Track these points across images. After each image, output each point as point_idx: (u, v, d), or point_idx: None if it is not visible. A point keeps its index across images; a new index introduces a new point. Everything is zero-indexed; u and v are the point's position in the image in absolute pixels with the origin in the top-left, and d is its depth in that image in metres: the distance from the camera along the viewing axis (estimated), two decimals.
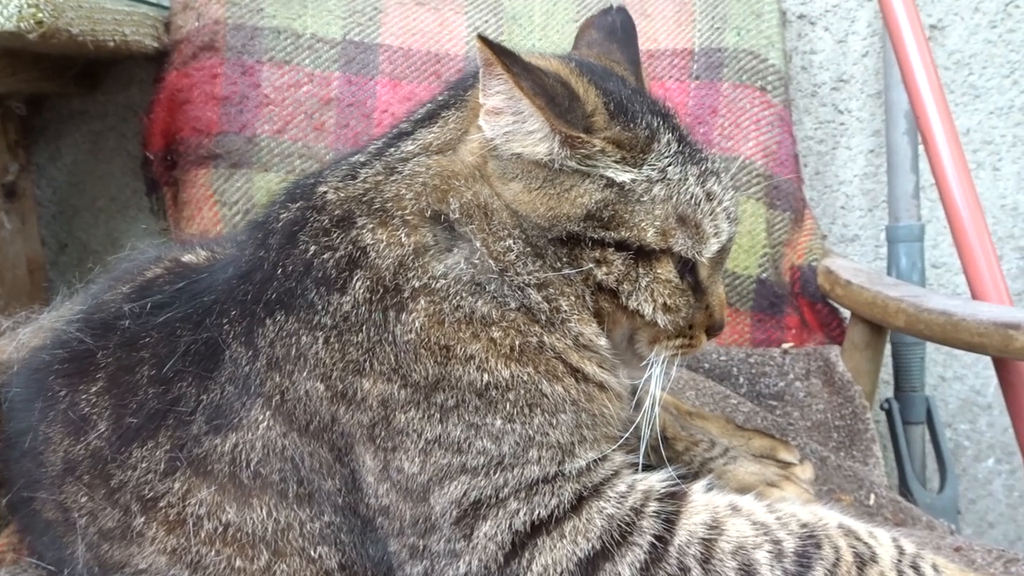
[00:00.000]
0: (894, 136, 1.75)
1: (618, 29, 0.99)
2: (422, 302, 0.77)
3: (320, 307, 0.79)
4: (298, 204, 0.86)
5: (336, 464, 0.80)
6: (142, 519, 0.83)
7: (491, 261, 0.79)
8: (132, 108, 1.91)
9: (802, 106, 1.90)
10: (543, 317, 0.80)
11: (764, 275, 1.65)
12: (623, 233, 0.79)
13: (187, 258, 1.03)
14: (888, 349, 1.67)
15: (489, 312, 0.78)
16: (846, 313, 1.61)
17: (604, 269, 0.80)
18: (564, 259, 0.80)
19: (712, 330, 0.88)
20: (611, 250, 0.79)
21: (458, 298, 0.78)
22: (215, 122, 1.64)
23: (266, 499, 0.80)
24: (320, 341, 0.78)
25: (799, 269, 1.64)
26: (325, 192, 0.85)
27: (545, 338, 0.79)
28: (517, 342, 0.78)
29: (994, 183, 1.89)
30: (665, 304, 0.81)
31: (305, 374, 0.79)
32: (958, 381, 1.96)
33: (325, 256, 0.80)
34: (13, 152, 1.77)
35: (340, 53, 1.67)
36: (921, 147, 1.68)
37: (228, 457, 0.81)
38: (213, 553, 0.82)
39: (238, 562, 0.82)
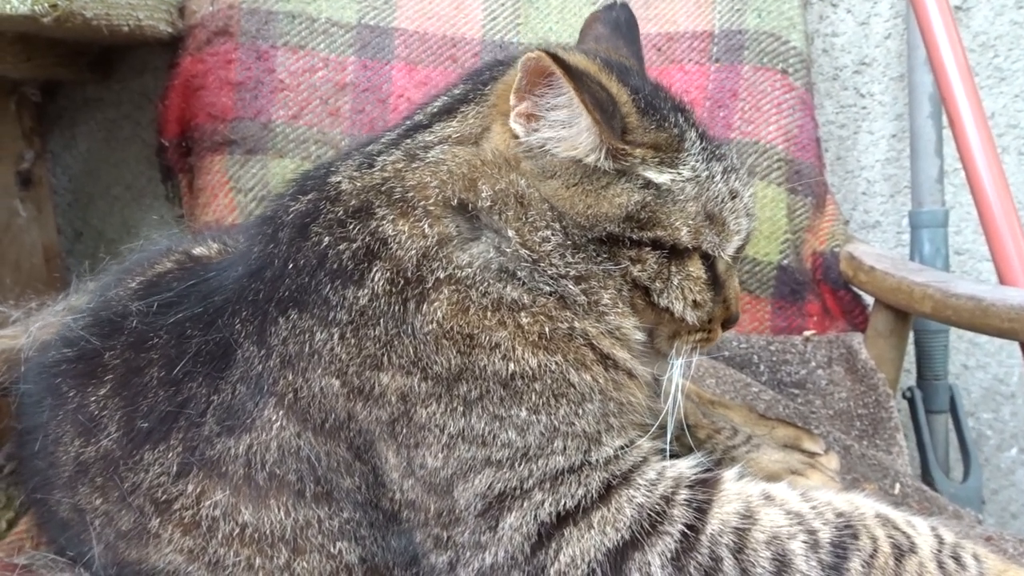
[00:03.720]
0: (918, 119, 1.71)
1: (622, 24, 0.99)
2: (445, 292, 0.76)
3: (335, 302, 0.77)
4: (309, 196, 0.84)
5: (356, 462, 0.78)
6: (157, 520, 0.82)
7: (525, 251, 0.78)
8: (147, 95, 1.90)
9: (823, 90, 1.87)
10: (580, 309, 0.79)
11: (785, 261, 1.62)
12: (658, 232, 0.79)
13: (198, 251, 1.01)
14: (911, 337, 1.65)
15: (519, 297, 0.77)
16: (869, 300, 1.58)
17: (639, 267, 0.80)
18: (604, 255, 0.79)
19: (728, 322, 0.88)
20: (647, 249, 0.79)
21: (485, 285, 0.76)
22: (230, 108, 1.63)
23: (283, 499, 0.79)
24: (336, 337, 0.77)
25: (821, 255, 1.61)
26: (339, 182, 0.83)
27: (576, 324, 0.78)
28: (547, 328, 0.76)
29: (1020, 167, 1.86)
30: (695, 301, 0.82)
31: (320, 371, 0.77)
32: (981, 370, 1.93)
33: (340, 247, 0.78)
34: (28, 139, 1.77)
35: (355, 37, 1.65)
36: (945, 131, 1.65)
37: (243, 459, 0.79)
38: (232, 554, 0.81)
39: (257, 561, 0.81)
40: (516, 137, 0.79)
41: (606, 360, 0.79)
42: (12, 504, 1.14)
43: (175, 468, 0.81)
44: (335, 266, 0.78)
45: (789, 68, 1.65)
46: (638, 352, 0.83)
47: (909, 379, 1.77)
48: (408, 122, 0.88)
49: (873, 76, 1.86)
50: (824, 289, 1.61)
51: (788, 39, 1.65)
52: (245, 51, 1.63)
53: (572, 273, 0.78)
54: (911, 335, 1.64)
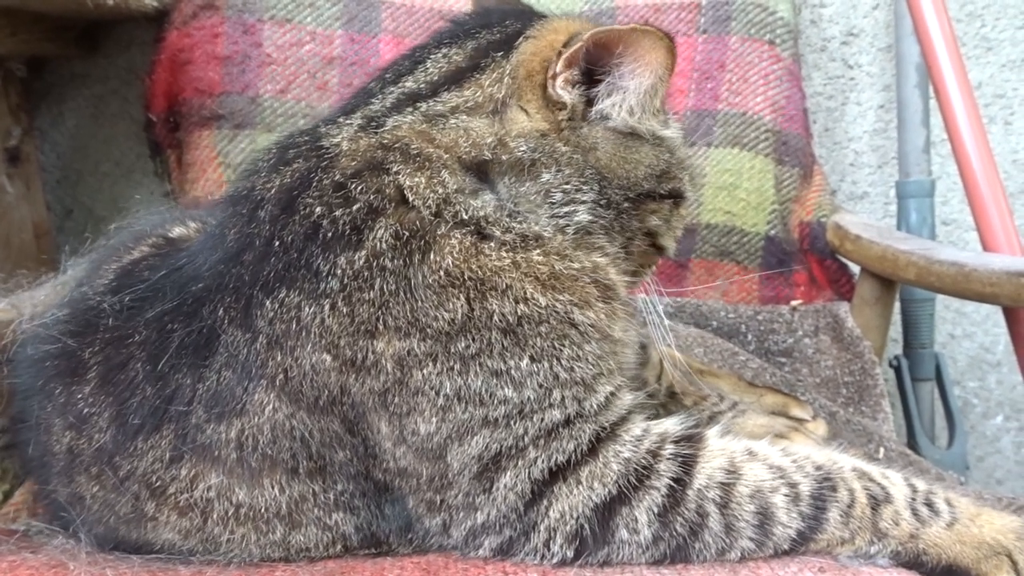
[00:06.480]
0: (905, 89, 1.72)
1: None
2: (457, 236, 0.76)
3: (326, 271, 0.75)
4: (294, 166, 0.81)
5: (347, 435, 0.78)
6: (153, 505, 0.82)
7: (554, 199, 0.81)
8: (134, 71, 1.89)
9: (811, 61, 1.87)
10: (595, 250, 0.82)
11: (773, 232, 1.63)
12: (674, 184, 0.86)
13: (177, 232, 0.97)
14: (897, 307, 1.66)
15: (537, 232, 0.79)
16: (855, 269, 1.60)
17: (656, 216, 0.86)
18: (632, 210, 0.84)
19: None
20: (664, 199, 0.86)
21: (504, 223, 0.78)
22: (217, 82, 1.62)
23: (277, 477, 0.79)
24: (326, 308, 0.75)
25: (808, 225, 1.62)
26: (338, 144, 0.81)
27: (586, 261, 0.80)
28: (557, 267, 0.77)
29: (1006, 137, 1.87)
30: (676, 236, 0.91)
31: (309, 348, 0.75)
32: (967, 339, 1.95)
33: (336, 214, 0.76)
34: (15, 116, 1.76)
35: (342, 11, 1.64)
36: (932, 101, 1.65)
37: (234, 443, 0.78)
38: (227, 533, 0.81)
39: (253, 537, 0.81)
40: (561, 106, 0.81)
41: (607, 292, 0.80)
42: (7, 476, 1.15)
43: (168, 455, 0.80)
44: (329, 235, 0.76)
45: (776, 39, 1.65)
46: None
47: (896, 348, 1.79)
48: (402, 87, 0.85)
49: (861, 47, 1.86)
50: (811, 259, 1.62)
51: (775, 9, 1.65)
52: (231, 25, 1.62)
53: (599, 223, 0.82)
54: (898, 305, 1.66)
